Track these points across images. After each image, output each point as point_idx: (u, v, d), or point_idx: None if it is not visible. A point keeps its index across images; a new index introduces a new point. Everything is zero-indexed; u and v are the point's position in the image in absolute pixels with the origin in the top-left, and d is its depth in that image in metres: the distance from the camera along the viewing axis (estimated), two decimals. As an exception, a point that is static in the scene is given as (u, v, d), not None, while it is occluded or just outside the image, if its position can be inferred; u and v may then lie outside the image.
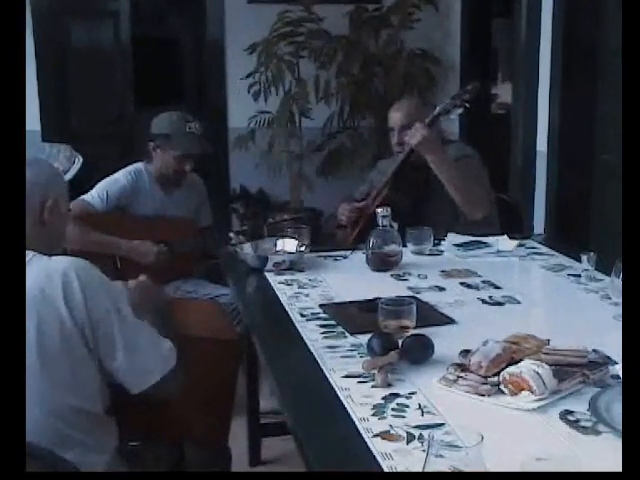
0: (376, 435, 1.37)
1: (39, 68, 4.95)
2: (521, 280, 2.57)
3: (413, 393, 1.54)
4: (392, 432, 1.38)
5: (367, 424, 1.41)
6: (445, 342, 1.75)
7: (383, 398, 1.52)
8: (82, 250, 2.69)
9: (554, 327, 2.00)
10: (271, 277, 2.44)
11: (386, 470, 1.25)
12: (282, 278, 2.43)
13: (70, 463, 1.52)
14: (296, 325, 1.99)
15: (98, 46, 5.46)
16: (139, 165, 3.27)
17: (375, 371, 1.61)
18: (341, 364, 1.70)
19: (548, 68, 3.94)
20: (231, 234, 3.19)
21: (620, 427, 1.27)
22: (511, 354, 1.58)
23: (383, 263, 2.49)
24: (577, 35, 3.82)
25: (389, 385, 1.58)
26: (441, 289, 2.28)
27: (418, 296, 2.16)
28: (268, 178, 4.97)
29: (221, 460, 2.20)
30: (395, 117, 3.09)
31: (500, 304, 2.14)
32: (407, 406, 1.49)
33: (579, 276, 2.34)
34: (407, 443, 1.34)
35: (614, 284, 1.98)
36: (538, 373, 1.46)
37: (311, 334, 1.91)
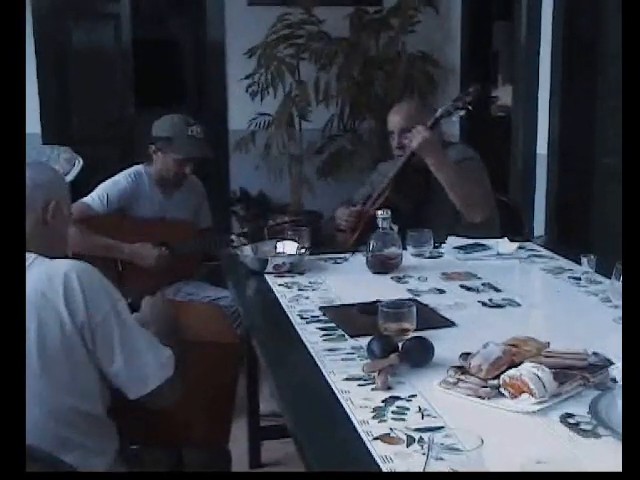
0: (376, 438, 1.36)
1: (39, 70, 4.94)
2: (521, 283, 2.56)
3: (413, 396, 1.54)
4: (392, 435, 1.37)
5: (367, 427, 1.41)
6: (445, 345, 1.75)
7: (383, 401, 1.52)
8: (83, 253, 2.69)
9: (554, 330, 1.99)
10: (271, 279, 2.44)
11: (386, 473, 1.25)
12: (282, 280, 2.43)
13: (70, 466, 1.52)
14: (296, 328, 1.99)
15: (99, 48, 5.46)
16: (139, 167, 3.27)
17: (375, 374, 1.61)
18: (341, 367, 1.70)
19: (548, 71, 3.94)
20: (233, 236, 3.20)
21: (620, 430, 1.26)
22: (511, 357, 1.58)
23: (383, 265, 2.49)
24: (577, 38, 3.83)
25: (389, 388, 1.57)
26: (441, 292, 2.28)
27: (418, 299, 2.16)
28: (268, 180, 4.97)
29: (221, 462, 2.20)
30: (395, 120, 3.09)
31: (500, 307, 2.14)
32: (407, 409, 1.48)
33: (579, 279, 2.34)
34: (407, 446, 1.33)
35: (614, 287, 1.98)
36: (538, 376, 1.46)
37: (311, 337, 1.91)
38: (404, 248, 2.58)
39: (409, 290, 2.29)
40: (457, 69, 5.03)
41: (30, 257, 1.64)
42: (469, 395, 1.52)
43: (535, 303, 2.29)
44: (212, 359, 2.01)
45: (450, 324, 1.98)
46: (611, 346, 1.66)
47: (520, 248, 2.74)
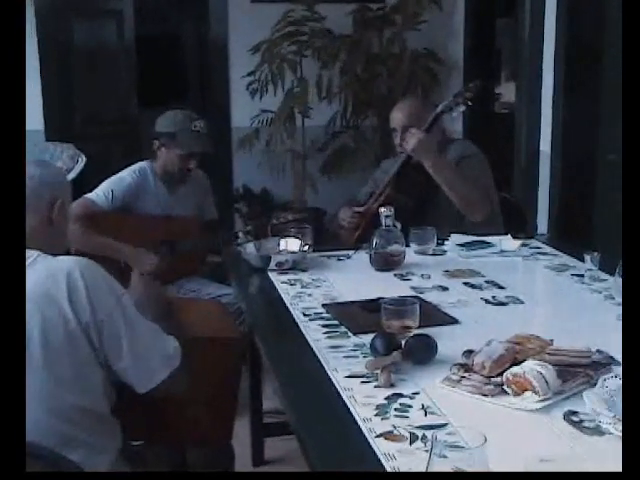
0: (379, 435, 1.36)
1: (42, 67, 4.94)
2: (524, 280, 2.56)
3: (416, 393, 1.54)
4: (395, 432, 1.38)
5: (370, 424, 1.41)
6: (448, 342, 1.75)
7: (386, 398, 1.52)
8: (83, 251, 2.69)
9: (557, 327, 1.99)
10: (274, 277, 2.44)
11: (389, 470, 1.25)
12: (285, 278, 2.43)
13: (74, 463, 1.52)
14: (299, 325, 1.99)
15: (102, 45, 5.46)
16: (144, 164, 3.27)
17: (378, 371, 1.61)
18: (344, 364, 1.70)
19: (552, 67, 3.94)
20: (239, 233, 3.19)
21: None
22: (514, 354, 1.58)
23: (386, 263, 2.48)
24: (581, 35, 3.82)
25: (392, 385, 1.57)
26: (444, 289, 2.28)
27: (421, 296, 2.16)
28: (271, 178, 4.97)
29: (224, 460, 2.20)
30: (397, 118, 3.08)
31: (503, 304, 2.14)
32: (410, 406, 1.49)
33: (582, 276, 2.34)
34: (410, 443, 1.33)
35: (617, 284, 1.97)
36: (541, 373, 1.46)
37: (314, 334, 1.91)
38: (407, 245, 2.58)
39: (412, 287, 2.29)
40: (460, 66, 5.02)
41: (32, 255, 1.64)
42: (472, 393, 1.52)
43: (538, 300, 2.29)
44: (215, 356, 2.01)
45: (453, 321, 1.98)
46: (614, 343, 1.66)
47: (523, 245, 2.74)
